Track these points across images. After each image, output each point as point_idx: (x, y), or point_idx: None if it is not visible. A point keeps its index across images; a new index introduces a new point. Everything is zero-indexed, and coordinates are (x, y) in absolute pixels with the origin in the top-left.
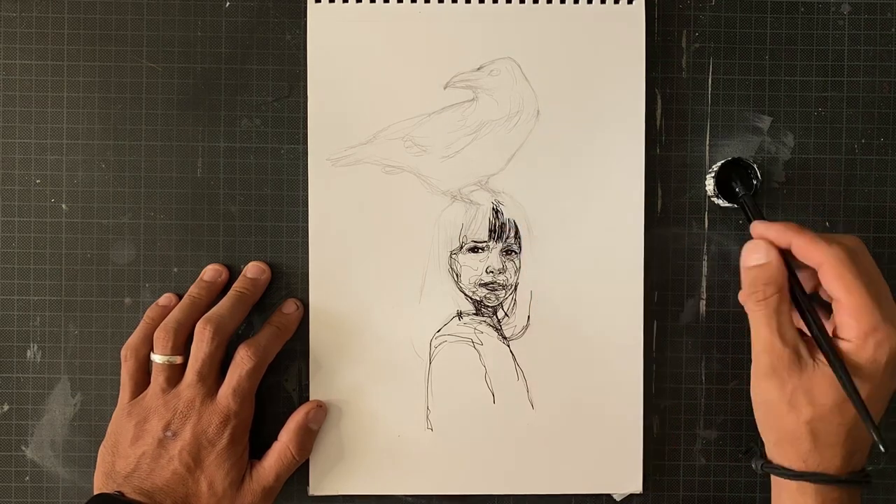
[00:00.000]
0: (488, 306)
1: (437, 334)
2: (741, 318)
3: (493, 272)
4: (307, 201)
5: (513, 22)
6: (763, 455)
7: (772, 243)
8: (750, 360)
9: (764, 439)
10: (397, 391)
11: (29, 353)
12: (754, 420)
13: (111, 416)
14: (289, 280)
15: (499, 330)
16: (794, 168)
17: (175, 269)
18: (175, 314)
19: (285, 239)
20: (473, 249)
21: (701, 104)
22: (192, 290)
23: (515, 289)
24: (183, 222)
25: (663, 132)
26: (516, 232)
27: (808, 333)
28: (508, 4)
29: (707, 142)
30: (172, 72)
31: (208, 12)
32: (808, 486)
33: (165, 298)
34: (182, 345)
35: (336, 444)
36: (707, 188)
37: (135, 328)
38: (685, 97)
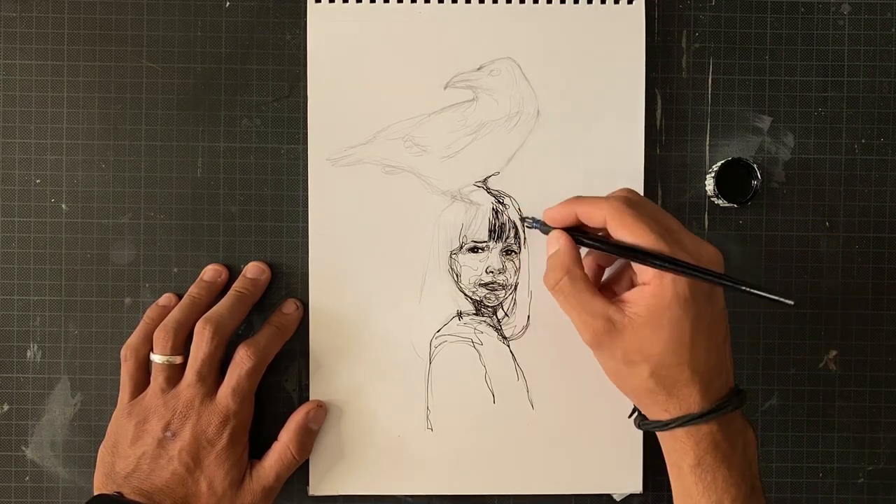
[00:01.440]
0: (488, 306)
1: (437, 334)
2: (741, 317)
3: (493, 272)
4: (307, 201)
5: (513, 22)
6: (641, 413)
7: (565, 230)
8: (749, 361)
9: (631, 401)
10: (397, 391)
11: (29, 353)
12: (755, 420)
13: (111, 416)
14: (289, 280)
15: (499, 330)
16: (794, 168)
17: (175, 269)
18: (175, 314)
19: (285, 239)
20: (473, 249)
21: (701, 104)
22: (192, 290)
23: (515, 289)
24: (183, 222)
25: (663, 132)
26: (516, 232)
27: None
28: (508, 4)
29: (707, 142)
30: (172, 72)
31: (208, 12)
32: (679, 432)
33: (165, 298)
34: (182, 345)
35: (336, 444)
36: (707, 188)
37: (135, 328)
38: (685, 97)
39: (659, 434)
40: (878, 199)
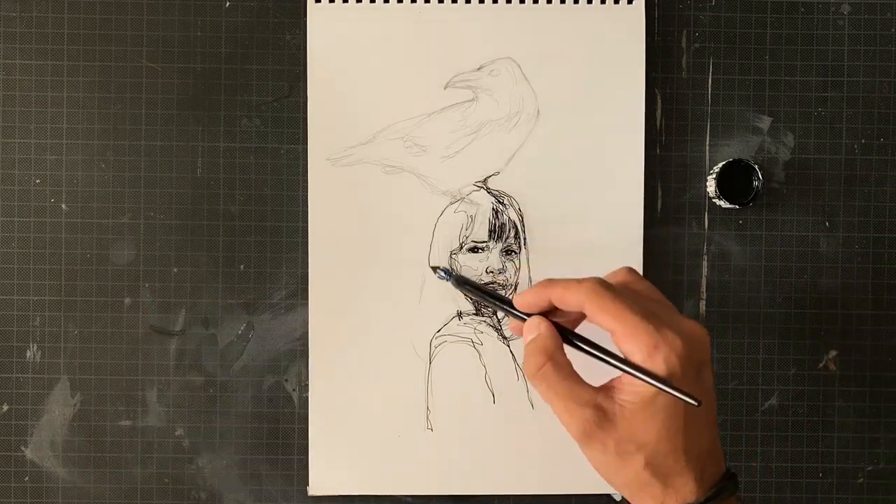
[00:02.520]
0: (488, 306)
1: (437, 334)
2: (741, 318)
3: (492, 272)
4: (307, 201)
5: (513, 22)
6: None
7: (544, 315)
8: (749, 361)
9: (623, 496)
10: (397, 391)
11: (29, 353)
12: (755, 420)
13: (109, 417)
14: (289, 280)
15: (499, 330)
16: (794, 168)
17: (175, 269)
18: None
19: (285, 239)
20: (473, 249)
21: (701, 104)
22: None
23: (515, 289)
24: (183, 222)
25: (663, 132)
26: (516, 232)
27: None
28: (508, 4)
29: (707, 142)
30: (172, 72)
31: (208, 12)
32: None
33: None
34: None
35: (336, 444)
36: (708, 189)
37: (135, 328)
38: (685, 97)
39: None
40: (878, 199)
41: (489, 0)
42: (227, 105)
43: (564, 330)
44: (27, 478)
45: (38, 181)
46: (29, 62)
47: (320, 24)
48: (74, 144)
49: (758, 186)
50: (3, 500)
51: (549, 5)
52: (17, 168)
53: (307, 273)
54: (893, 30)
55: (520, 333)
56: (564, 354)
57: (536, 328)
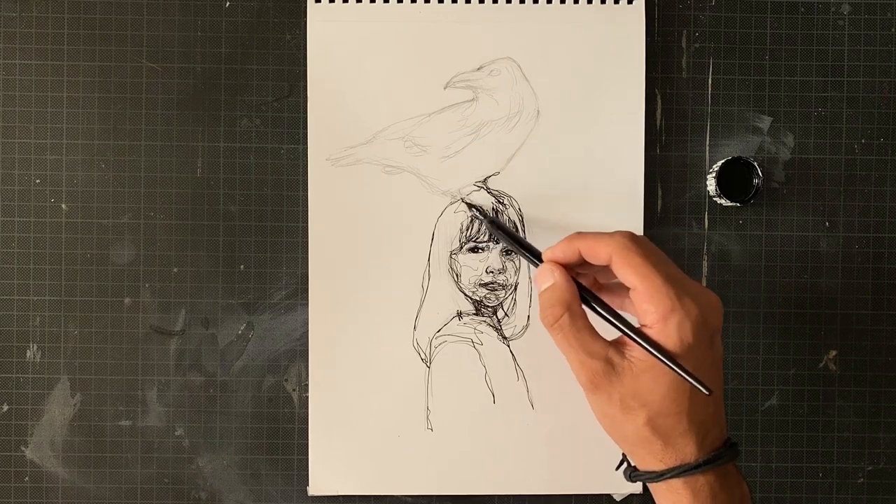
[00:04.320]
0: (488, 306)
1: (437, 334)
2: (740, 317)
3: (493, 272)
4: (307, 201)
5: (513, 22)
6: (629, 463)
7: (563, 266)
8: (749, 361)
9: (622, 449)
10: (397, 391)
11: (29, 353)
12: (755, 420)
13: (109, 417)
14: (289, 280)
15: (499, 330)
16: (794, 168)
17: (175, 269)
18: None
19: (285, 239)
20: (473, 249)
21: (701, 104)
22: None
23: (515, 289)
24: (183, 222)
25: (663, 132)
26: (516, 232)
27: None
28: (508, 4)
29: (707, 142)
30: (172, 72)
31: (208, 12)
32: (675, 483)
33: None
34: None
35: (336, 444)
36: (708, 188)
37: (135, 328)
38: (685, 97)
39: (652, 487)
40: (878, 199)
41: (489, 0)
42: (227, 105)
43: (584, 290)
44: (27, 478)
45: (38, 181)
46: (29, 62)
47: (320, 24)
48: (74, 144)
49: (758, 184)
50: (3, 500)
51: (549, 5)
52: (17, 168)
53: (307, 273)
54: (893, 30)
55: None
56: (581, 305)
57: (550, 275)
